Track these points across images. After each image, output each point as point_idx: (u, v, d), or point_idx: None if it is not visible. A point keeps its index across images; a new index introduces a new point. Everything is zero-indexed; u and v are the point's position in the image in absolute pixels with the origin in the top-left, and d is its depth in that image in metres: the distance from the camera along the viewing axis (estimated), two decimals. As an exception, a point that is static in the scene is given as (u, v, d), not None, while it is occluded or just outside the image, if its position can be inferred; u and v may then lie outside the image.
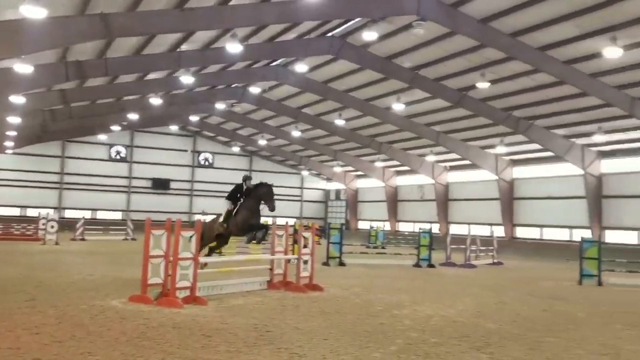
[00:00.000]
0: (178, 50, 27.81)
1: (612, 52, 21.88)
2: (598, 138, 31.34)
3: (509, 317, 11.28)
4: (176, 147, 57.12)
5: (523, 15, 22.31)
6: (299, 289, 13.79)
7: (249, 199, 14.45)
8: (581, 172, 34.88)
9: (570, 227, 36.58)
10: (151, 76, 33.39)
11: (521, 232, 40.80)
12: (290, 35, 27.61)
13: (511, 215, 40.93)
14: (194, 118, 48.87)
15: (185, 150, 57.70)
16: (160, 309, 10.38)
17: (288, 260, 14.52)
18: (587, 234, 31.97)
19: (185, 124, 52.25)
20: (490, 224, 41.35)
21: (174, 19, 21.46)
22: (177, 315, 9.89)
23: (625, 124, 29.57)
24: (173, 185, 56.73)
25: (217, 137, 56.49)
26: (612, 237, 34.14)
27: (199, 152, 58.38)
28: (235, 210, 14.51)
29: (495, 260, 27.56)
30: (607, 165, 34.96)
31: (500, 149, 37.31)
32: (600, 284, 18.49)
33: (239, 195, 14.81)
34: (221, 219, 14.78)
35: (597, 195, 34.84)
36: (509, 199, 40.90)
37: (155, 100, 36.78)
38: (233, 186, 15.32)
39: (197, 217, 44.47)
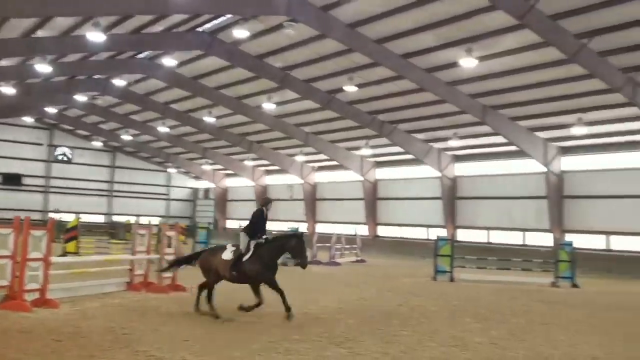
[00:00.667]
0: (33, 36, 25.93)
1: (468, 62, 23.41)
2: (453, 143, 33.42)
3: (368, 313, 11.70)
4: (30, 140, 53.16)
5: (388, 23, 23.24)
6: (161, 289, 13.40)
7: (271, 246, 10.91)
8: (438, 174, 37.05)
9: (428, 226, 38.68)
10: (2, 63, 30.83)
11: (383, 231, 42.52)
12: (158, 28, 26.72)
13: (374, 214, 42.55)
14: (51, 110, 45.77)
15: (40, 144, 53.92)
16: (6, 313, 9.63)
17: (150, 261, 14.04)
18: (443, 232, 33.97)
19: (41, 115, 48.76)
20: (355, 223, 42.72)
21: (29, 2, 19.99)
22: (24, 319, 9.22)
23: (477, 131, 31.74)
24: (26, 181, 52.77)
25: (76, 130, 53.29)
26: (464, 235, 36.54)
27: (56, 146, 54.75)
28: (248, 256, 10.75)
29: (359, 258, 28.51)
30: (460, 169, 37.41)
31: (366, 151, 38.61)
32: (452, 279, 19.73)
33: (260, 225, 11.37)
34: (228, 254, 10.93)
35: (451, 197, 37.16)
36: (372, 199, 42.49)
37: (7, 89, 34.02)
38: (251, 216, 11.57)
39: (51, 215, 41.75)
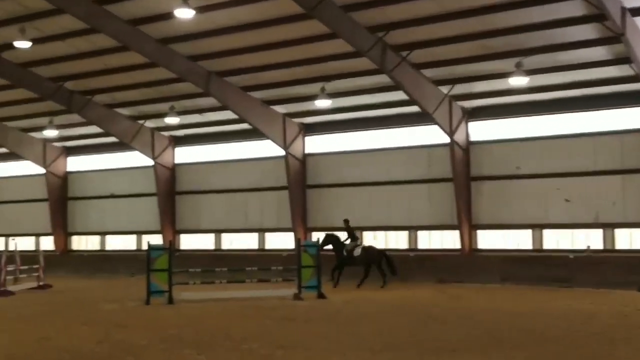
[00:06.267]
0: None
1: (184, 13, 23.00)
2: (171, 120, 33.12)
3: (53, 356, 11.17)
4: None
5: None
6: None
7: None
8: (151, 162, 36.53)
9: (139, 233, 38.16)
10: None
11: (78, 243, 41.08)
12: None
13: (65, 221, 40.70)
14: None
15: None
16: None
17: None
18: (159, 239, 33.53)
19: None
20: (38, 234, 40.62)
21: None
22: None
23: (200, 103, 32.06)
24: None
25: None
26: (188, 242, 36.97)
27: None
28: None
29: (42, 283, 27.09)
30: (181, 155, 37.34)
31: (50, 133, 36.77)
32: (171, 301, 19.70)
33: None
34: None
35: (170, 192, 36.96)
36: (59, 197, 40.48)
37: None
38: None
39: None
